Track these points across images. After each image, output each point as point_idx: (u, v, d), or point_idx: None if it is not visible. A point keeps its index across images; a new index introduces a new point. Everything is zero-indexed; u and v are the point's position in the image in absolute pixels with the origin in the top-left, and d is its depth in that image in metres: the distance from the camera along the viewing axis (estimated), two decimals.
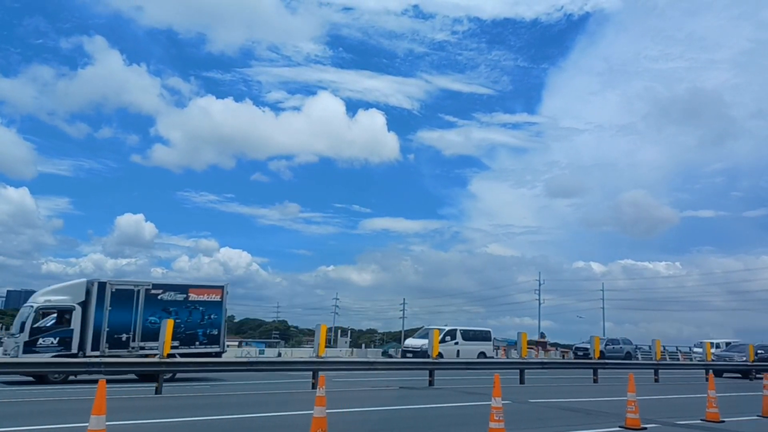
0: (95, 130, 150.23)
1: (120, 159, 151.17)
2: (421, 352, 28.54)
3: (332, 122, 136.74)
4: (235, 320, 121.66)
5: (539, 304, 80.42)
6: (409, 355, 31.33)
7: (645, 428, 9.90)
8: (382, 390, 15.95)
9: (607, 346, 37.18)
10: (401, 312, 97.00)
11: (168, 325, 13.59)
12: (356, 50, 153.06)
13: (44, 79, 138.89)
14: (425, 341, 35.73)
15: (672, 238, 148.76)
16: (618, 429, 9.86)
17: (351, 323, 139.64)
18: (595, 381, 20.46)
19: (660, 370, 22.69)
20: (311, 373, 15.03)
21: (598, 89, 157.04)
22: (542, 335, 76.49)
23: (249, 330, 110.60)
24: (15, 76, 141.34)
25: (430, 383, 17.04)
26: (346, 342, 73.86)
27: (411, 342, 33.66)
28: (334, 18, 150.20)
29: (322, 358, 15.16)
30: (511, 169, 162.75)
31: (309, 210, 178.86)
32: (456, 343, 32.52)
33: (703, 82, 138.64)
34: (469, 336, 33.93)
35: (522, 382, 18.99)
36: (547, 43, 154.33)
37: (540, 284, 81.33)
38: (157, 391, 13.00)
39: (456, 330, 33.77)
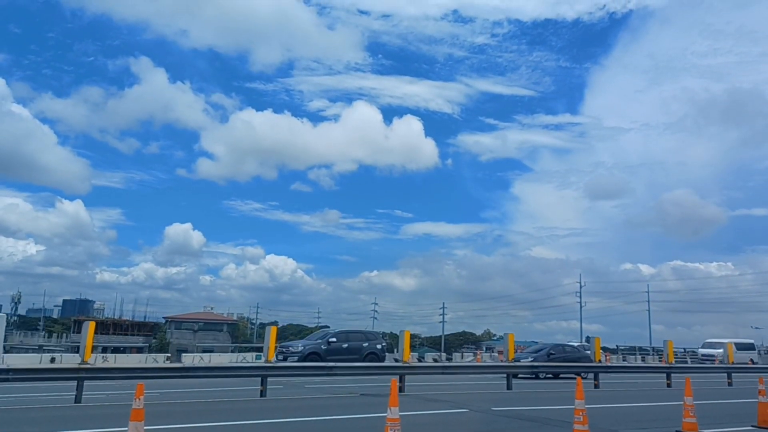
0: (144, 145, 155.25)
1: (168, 171, 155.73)
2: None
3: (370, 130, 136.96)
4: (278, 326, 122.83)
5: (580, 306, 77.65)
6: None
7: None
8: (333, 398, 14.74)
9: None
10: (440, 316, 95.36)
11: None
12: (396, 56, 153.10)
13: (94, 99, 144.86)
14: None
15: (723, 238, 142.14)
16: None
17: (394, 328, 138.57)
18: (596, 386, 18.73)
19: (672, 374, 20.52)
20: (260, 379, 14.00)
21: (643, 87, 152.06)
22: (587, 339, 73.94)
23: (290, 335, 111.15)
24: (68, 97, 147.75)
25: (400, 389, 15.74)
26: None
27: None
28: (374, 26, 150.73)
29: (271, 363, 14.13)
30: (555, 170, 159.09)
31: (351, 216, 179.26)
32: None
33: (755, 76, 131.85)
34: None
35: (509, 387, 17.47)
36: (590, 41, 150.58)
37: (581, 287, 78.65)
38: None
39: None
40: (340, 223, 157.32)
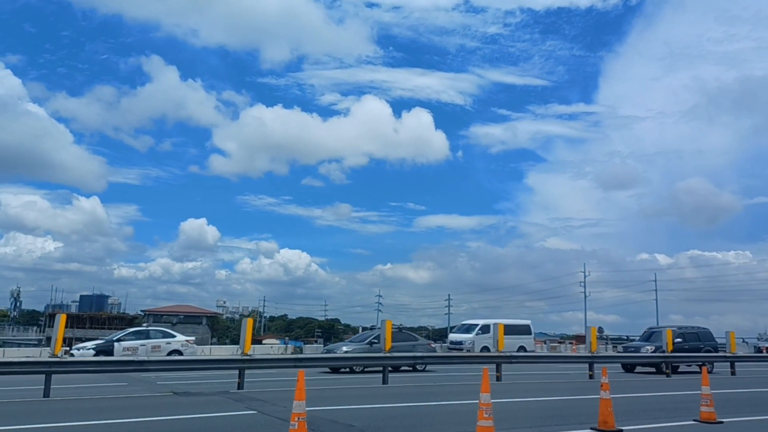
0: (158, 142, 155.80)
1: (182, 167, 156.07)
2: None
3: (380, 123, 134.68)
4: (287, 319, 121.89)
5: (585, 297, 74.48)
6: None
7: None
8: (135, 398, 12.56)
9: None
10: (455, 307, 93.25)
11: None
12: (407, 49, 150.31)
13: (108, 97, 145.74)
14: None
15: (741, 226, 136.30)
16: None
17: (408, 321, 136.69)
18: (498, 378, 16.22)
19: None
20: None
21: (658, 74, 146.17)
22: (600, 329, 71.04)
23: (297, 329, 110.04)
24: (81, 96, 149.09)
25: (239, 386, 13.46)
26: None
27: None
28: (384, 18, 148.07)
29: (57, 357, 12.01)
30: (569, 160, 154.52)
31: (363, 210, 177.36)
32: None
33: None
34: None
35: (385, 382, 15.13)
36: (603, 29, 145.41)
37: (585, 276, 75.64)
38: None
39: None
40: (353, 217, 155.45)
